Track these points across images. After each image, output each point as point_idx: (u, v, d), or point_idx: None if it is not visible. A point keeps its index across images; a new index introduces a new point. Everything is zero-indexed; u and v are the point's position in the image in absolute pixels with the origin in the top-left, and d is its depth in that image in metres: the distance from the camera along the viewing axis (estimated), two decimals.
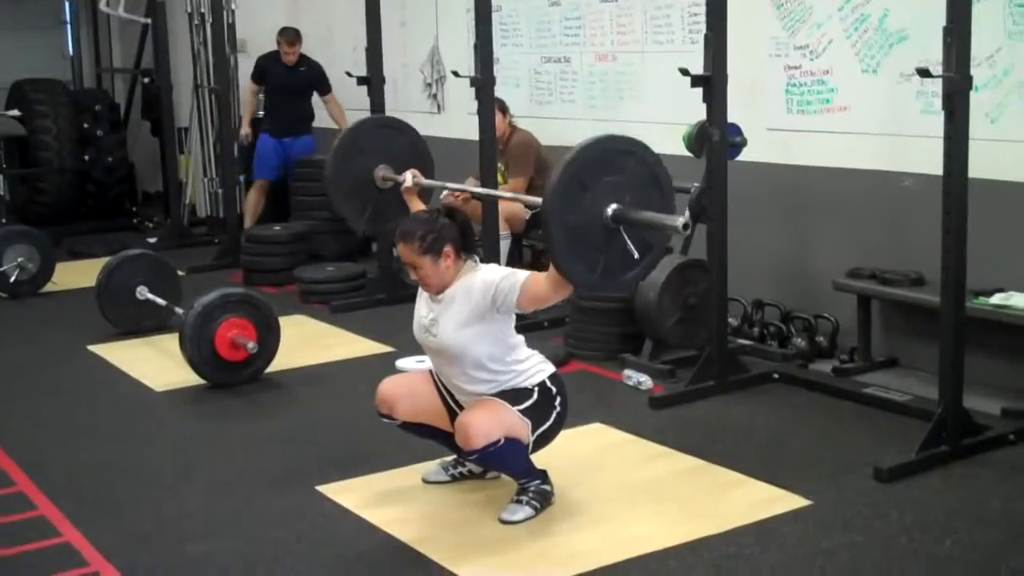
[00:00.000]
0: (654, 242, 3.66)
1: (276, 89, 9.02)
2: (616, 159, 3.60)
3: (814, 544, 3.65)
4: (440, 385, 4.10)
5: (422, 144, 5.11)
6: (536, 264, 7.37)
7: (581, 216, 3.51)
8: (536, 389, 3.92)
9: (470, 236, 3.97)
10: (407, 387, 4.14)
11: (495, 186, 6.54)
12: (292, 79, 8.98)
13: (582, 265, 3.56)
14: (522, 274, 3.78)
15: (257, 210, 9.14)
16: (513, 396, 3.88)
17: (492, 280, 3.80)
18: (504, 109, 7.05)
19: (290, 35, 8.88)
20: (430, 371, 4.17)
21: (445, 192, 6.82)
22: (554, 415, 3.94)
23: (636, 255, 3.59)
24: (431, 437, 4.19)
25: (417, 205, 4.63)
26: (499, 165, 7.11)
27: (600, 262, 3.57)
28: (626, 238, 3.57)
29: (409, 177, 4.69)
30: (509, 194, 6.17)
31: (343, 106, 8.99)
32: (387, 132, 4.75)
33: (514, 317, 3.92)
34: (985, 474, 4.19)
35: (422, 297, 4.03)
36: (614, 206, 3.54)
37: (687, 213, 3.48)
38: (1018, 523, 3.79)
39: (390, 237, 6.29)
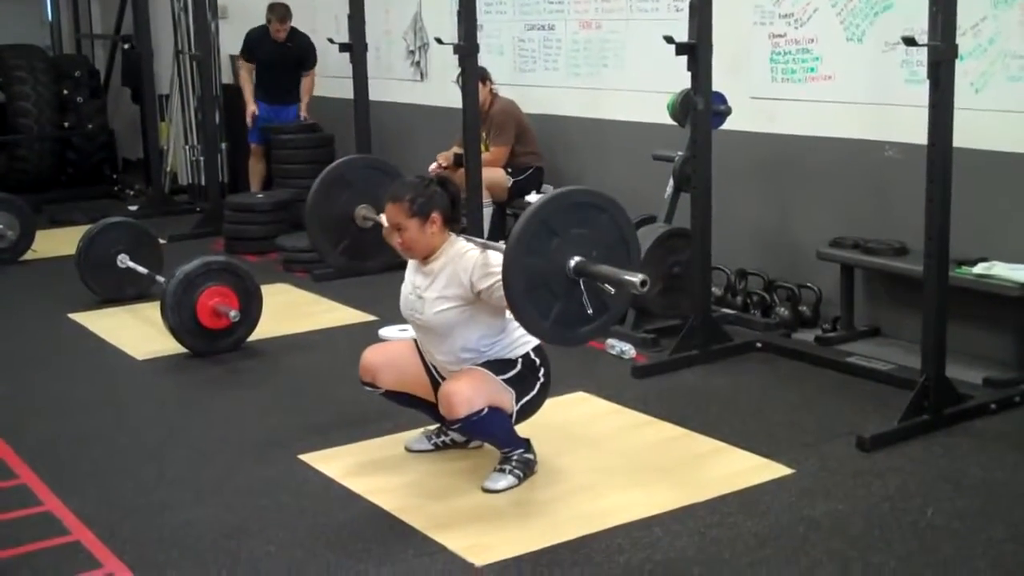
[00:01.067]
0: (611, 305, 3.61)
1: (266, 65, 8.92)
2: (589, 213, 3.54)
3: (797, 512, 3.67)
4: (424, 355, 4.08)
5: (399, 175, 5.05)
6: None
7: (545, 261, 3.45)
8: (520, 360, 3.91)
9: (458, 208, 3.95)
10: (391, 356, 4.13)
11: (478, 152, 6.51)
12: (282, 55, 8.88)
13: (536, 310, 3.48)
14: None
15: (262, 175, 9.08)
16: (497, 366, 3.87)
17: (477, 277, 3.76)
18: (485, 77, 7.02)
19: (281, 12, 8.77)
20: (414, 340, 4.16)
21: (432, 167, 6.81)
22: (538, 386, 3.94)
23: (590, 311, 3.55)
24: (414, 406, 4.19)
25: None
26: (482, 133, 7.09)
27: (554, 311, 3.50)
28: (584, 292, 3.52)
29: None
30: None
31: (314, 84, 8.92)
32: (375, 174, 4.73)
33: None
34: (966, 443, 4.21)
35: (410, 271, 4.02)
36: (578, 258, 3.48)
37: (643, 274, 3.44)
38: (998, 492, 3.81)
39: (364, 274, 6.26)
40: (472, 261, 3.81)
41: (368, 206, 4.61)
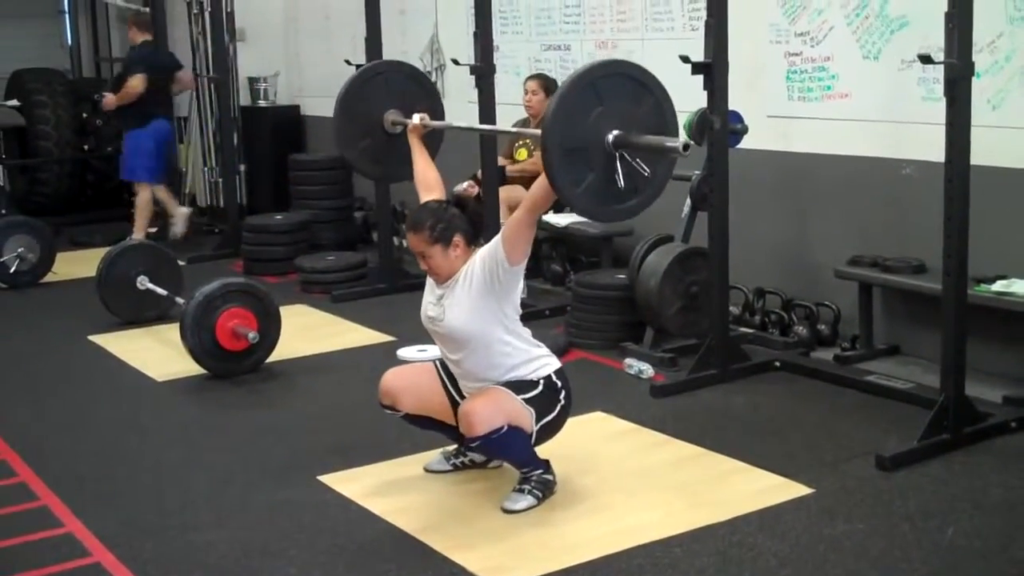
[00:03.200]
0: (644, 189, 3.58)
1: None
2: (638, 90, 3.54)
3: (817, 532, 3.65)
4: (443, 377, 4.09)
5: (437, 99, 5.06)
6: (537, 251, 7.36)
7: (585, 126, 3.44)
8: (541, 382, 3.92)
9: (480, 227, 3.98)
10: (410, 379, 4.14)
11: (496, 176, 6.53)
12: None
13: (570, 175, 3.47)
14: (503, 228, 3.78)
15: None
16: (517, 386, 3.88)
17: (484, 253, 3.83)
18: (550, 88, 7.09)
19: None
20: (433, 363, 4.17)
21: (463, 186, 6.83)
22: (558, 408, 3.94)
23: (622, 185, 3.52)
24: (434, 429, 4.19)
25: (419, 150, 4.52)
26: (528, 141, 7.14)
27: (587, 180, 3.48)
28: (619, 168, 3.50)
29: (416, 118, 4.62)
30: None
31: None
32: (412, 84, 4.74)
33: (519, 299, 3.91)
34: (987, 462, 4.19)
35: (429, 284, 4.03)
36: (617, 131, 3.48)
37: (685, 135, 3.39)
38: (1020, 511, 3.79)
39: (387, 179, 6.23)
40: (480, 255, 3.86)
41: (398, 111, 4.62)
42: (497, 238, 3.78)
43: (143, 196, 8.90)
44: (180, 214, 8.99)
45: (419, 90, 4.81)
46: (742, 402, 5.00)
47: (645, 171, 3.53)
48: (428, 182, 4.31)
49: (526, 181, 7.12)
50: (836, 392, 5.04)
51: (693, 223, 5.72)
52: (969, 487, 3.97)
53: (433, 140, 4.73)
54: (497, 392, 3.85)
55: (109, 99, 8.77)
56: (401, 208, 8.19)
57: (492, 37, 6.35)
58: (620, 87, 3.54)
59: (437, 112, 4.86)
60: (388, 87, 4.74)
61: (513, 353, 3.90)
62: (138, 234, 8.74)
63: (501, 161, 6.91)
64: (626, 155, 3.51)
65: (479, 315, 3.84)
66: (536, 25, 7.56)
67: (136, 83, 8.62)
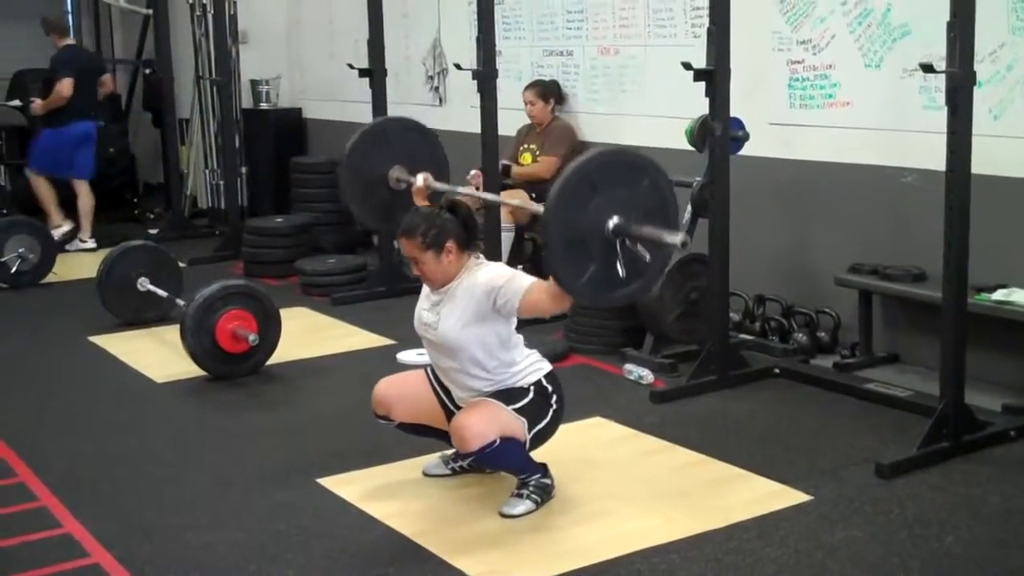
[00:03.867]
0: (646, 271, 3.62)
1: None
2: (631, 174, 3.56)
3: (815, 539, 3.66)
4: (436, 384, 4.09)
5: (441, 153, 5.09)
6: (537, 257, 7.36)
7: (584, 218, 3.47)
8: (532, 388, 3.92)
9: (473, 231, 3.96)
10: (403, 388, 4.13)
11: (497, 177, 6.54)
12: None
13: (572, 268, 3.51)
14: (526, 280, 3.75)
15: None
16: (508, 396, 3.88)
17: (496, 283, 3.79)
18: (548, 96, 7.17)
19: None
20: (425, 370, 4.17)
21: (472, 173, 6.85)
22: (550, 413, 3.94)
23: (623, 274, 3.56)
24: (429, 436, 4.19)
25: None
26: (531, 145, 7.16)
27: (590, 270, 3.51)
28: (620, 255, 3.53)
29: (420, 178, 4.65)
30: (516, 201, 6.22)
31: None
32: (415, 137, 4.77)
33: (515, 319, 3.92)
34: (986, 470, 4.19)
35: (425, 291, 4.03)
36: (617, 218, 3.50)
37: (684, 230, 3.43)
38: (1018, 520, 3.79)
39: (390, 234, 6.32)
40: (489, 272, 3.85)
41: (402, 168, 4.63)
42: (518, 288, 3.71)
43: (81, 192, 9.05)
44: (61, 228, 9.02)
45: (423, 144, 4.82)
46: (741, 409, 5.00)
47: (646, 256, 3.54)
48: None
49: (528, 185, 7.14)
50: (835, 399, 5.05)
51: (694, 229, 5.72)
52: (967, 495, 3.97)
53: (437, 198, 4.76)
54: (488, 405, 3.85)
55: (37, 104, 8.93)
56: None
57: (494, 42, 6.35)
58: (614, 174, 3.54)
59: (441, 169, 4.89)
60: (392, 143, 4.76)
61: (504, 361, 3.90)
62: (84, 233, 9.02)
63: (477, 173, 6.94)
64: (627, 241, 3.53)
65: (475, 327, 3.84)
66: (539, 30, 7.57)
67: (64, 88, 8.74)
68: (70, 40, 8.95)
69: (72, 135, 8.90)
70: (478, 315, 3.82)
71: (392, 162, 4.71)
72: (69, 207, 9.16)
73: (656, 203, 3.59)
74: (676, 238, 3.41)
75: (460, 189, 5.38)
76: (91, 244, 9.02)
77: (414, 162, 4.72)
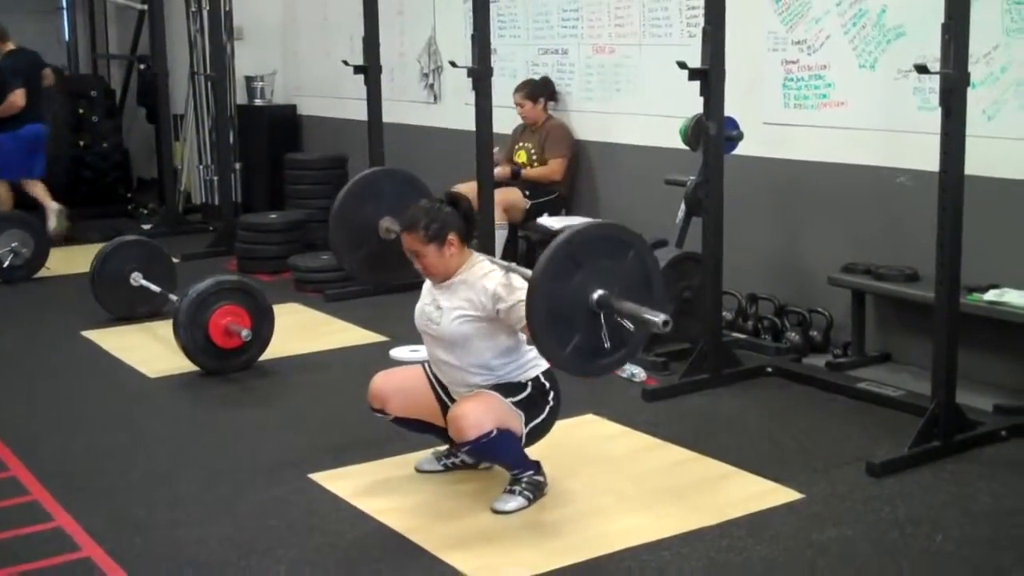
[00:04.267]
0: (630, 340, 3.63)
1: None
2: (615, 247, 3.58)
3: (806, 537, 3.66)
4: (433, 380, 4.10)
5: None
6: (531, 255, 7.36)
7: (568, 292, 3.48)
8: (530, 384, 3.92)
9: (473, 225, 3.97)
10: (399, 383, 4.14)
11: (491, 178, 6.54)
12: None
13: (555, 339, 3.51)
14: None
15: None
16: (506, 389, 3.88)
17: (501, 296, 3.78)
18: (537, 96, 7.20)
19: None
20: (422, 365, 4.17)
21: (498, 154, 6.88)
22: (547, 409, 3.95)
23: (607, 345, 3.56)
24: (424, 431, 4.20)
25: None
26: (526, 144, 7.17)
27: (573, 341, 3.52)
28: (604, 325, 3.54)
29: None
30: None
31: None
32: (405, 188, 4.77)
33: None
34: (976, 470, 4.20)
35: (426, 286, 4.03)
36: (601, 291, 3.51)
37: (666, 314, 3.46)
38: (1008, 519, 3.80)
39: (389, 284, 6.31)
40: (495, 281, 3.83)
41: (393, 219, 4.63)
42: (521, 317, 3.66)
43: (32, 187, 9.03)
44: (52, 209, 8.95)
45: (413, 194, 4.83)
46: (734, 407, 5.01)
47: (629, 327, 3.56)
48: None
49: (527, 186, 7.15)
50: (827, 398, 5.06)
51: (688, 228, 5.73)
52: (958, 495, 3.99)
53: None
54: (486, 396, 3.86)
55: None
56: None
57: (490, 40, 6.35)
58: (598, 248, 3.55)
59: None
60: (381, 194, 4.75)
61: (504, 358, 3.91)
62: (47, 202, 8.96)
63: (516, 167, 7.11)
64: (611, 315, 3.54)
65: (476, 324, 3.85)
66: (534, 28, 7.58)
67: (18, 99, 8.76)
68: (12, 45, 8.94)
69: (26, 138, 8.90)
70: (479, 313, 3.84)
71: (381, 213, 4.72)
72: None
73: (640, 276, 3.60)
74: (658, 318, 3.41)
75: None
76: (56, 205, 8.97)
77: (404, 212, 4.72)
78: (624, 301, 3.50)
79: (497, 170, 6.93)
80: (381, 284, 5.85)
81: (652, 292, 3.62)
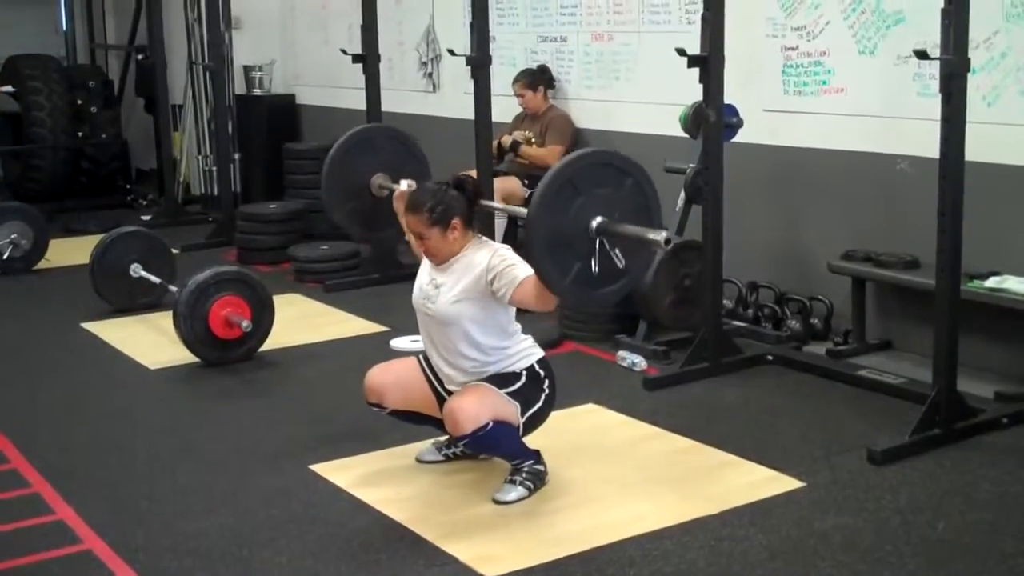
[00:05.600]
0: (630, 268, 3.63)
1: None
2: (614, 175, 3.58)
3: (808, 526, 3.66)
4: (427, 371, 4.09)
5: (425, 162, 5.08)
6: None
7: (567, 220, 3.48)
8: (524, 373, 3.92)
9: (477, 209, 3.97)
10: (396, 376, 4.13)
11: (489, 168, 6.53)
12: None
13: (556, 268, 3.53)
14: (521, 272, 3.73)
15: None
16: (500, 380, 3.88)
17: (494, 265, 3.79)
18: (536, 85, 7.20)
19: None
20: (418, 357, 4.17)
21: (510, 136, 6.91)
22: (543, 398, 3.94)
23: (596, 270, 3.56)
24: (422, 423, 4.20)
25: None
26: (526, 132, 7.17)
27: (574, 269, 3.53)
28: (609, 251, 3.53)
29: (404, 184, 4.64)
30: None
31: None
32: (399, 147, 4.77)
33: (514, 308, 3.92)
34: (978, 457, 4.20)
35: (425, 265, 4.03)
36: (600, 218, 3.52)
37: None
38: (1009, 506, 3.80)
39: (376, 241, 6.29)
40: (490, 251, 3.84)
41: (385, 175, 4.63)
42: (513, 279, 3.71)
43: None
44: None
45: (406, 154, 4.82)
46: (734, 395, 5.01)
47: (620, 262, 3.56)
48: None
49: (523, 173, 7.14)
50: (828, 386, 5.05)
51: (687, 216, 5.72)
52: (959, 482, 3.98)
53: None
54: (481, 389, 3.85)
55: None
56: None
57: (488, 28, 6.33)
58: (598, 175, 3.57)
59: (424, 176, 4.87)
60: (375, 150, 4.75)
61: (498, 346, 3.91)
62: None
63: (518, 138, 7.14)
64: (605, 243, 3.55)
65: (471, 304, 3.84)
66: (532, 16, 7.55)
67: None
68: None
69: None
70: (474, 291, 3.83)
71: (375, 170, 4.71)
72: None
73: (640, 203, 3.61)
74: (660, 235, 3.42)
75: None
76: None
77: (397, 171, 4.72)
78: (623, 224, 3.50)
79: (496, 141, 6.98)
80: (367, 241, 5.78)
81: (652, 220, 3.63)
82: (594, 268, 3.55)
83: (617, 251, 3.54)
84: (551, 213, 3.48)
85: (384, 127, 5.21)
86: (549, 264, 3.52)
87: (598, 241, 3.53)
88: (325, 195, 4.80)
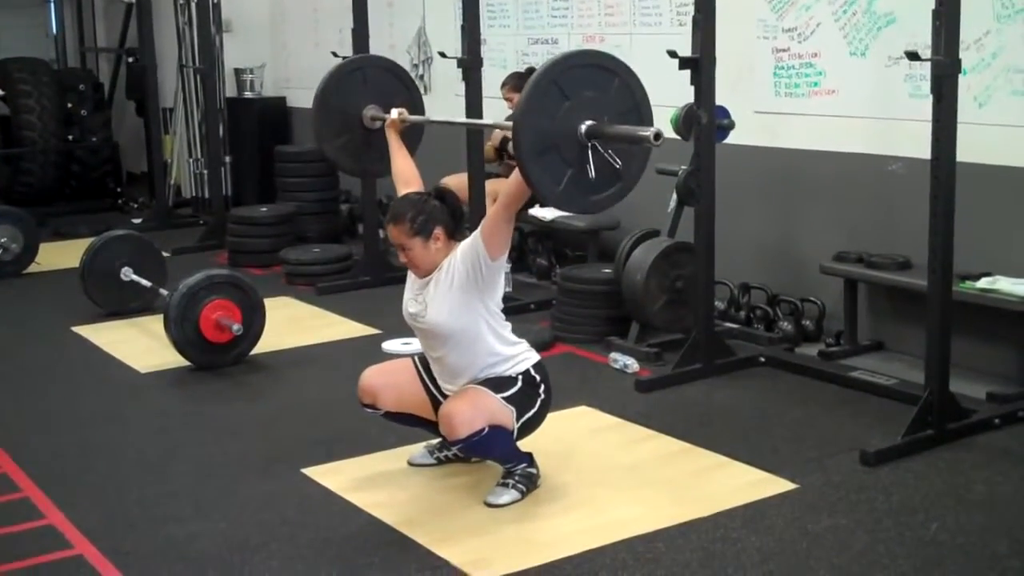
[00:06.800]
0: (625, 172, 3.56)
1: None
2: (600, 76, 3.51)
3: (800, 527, 3.66)
4: (423, 374, 4.08)
5: (417, 93, 5.03)
6: (522, 246, 7.35)
7: (555, 124, 3.41)
8: (520, 378, 3.90)
9: (460, 220, 3.95)
10: (389, 377, 4.12)
11: (481, 169, 6.53)
12: None
13: (548, 175, 3.45)
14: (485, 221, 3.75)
15: None
16: (496, 384, 3.87)
17: (466, 243, 3.80)
18: (520, 88, 7.10)
19: None
20: (412, 359, 4.16)
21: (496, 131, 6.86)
22: (538, 403, 3.93)
23: (592, 176, 3.47)
24: (415, 425, 4.18)
25: (397, 145, 4.47)
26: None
27: (566, 176, 3.46)
28: (603, 154, 3.46)
29: (395, 112, 4.58)
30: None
31: None
32: (392, 80, 4.73)
33: (501, 293, 3.90)
34: (970, 458, 4.20)
35: (409, 280, 4.01)
36: (590, 121, 3.45)
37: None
38: (1002, 507, 3.80)
39: (365, 175, 6.24)
40: (461, 249, 3.83)
41: (377, 107, 4.60)
42: (476, 233, 3.75)
43: None
44: None
45: (398, 84, 4.79)
46: (727, 397, 5.00)
47: (617, 163, 3.50)
48: (406, 177, 4.28)
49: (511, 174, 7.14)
50: (820, 388, 5.05)
51: (679, 218, 5.72)
52: (952, 483, 3.98)
53: (412, 135, 4.69)
54: (476, 393, 3.84)
55: None
56: (387, 201, 8.17)
57: (479, 30, 6.33)
58: (583, 77, 3.49)
59: (416, 107, 4.84)
60: (366, 82, 4.72)
61: (494, 350, 3.89)
62: None
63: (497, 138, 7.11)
64: (598, 146, 3.48)
65: (462, 310, 3.83)
66: (524, 18, 7.55)
67: None
68: None
69: None
70: (463, 290, 3.81)
71: (367, 101, 4.68)
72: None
73: (628, 104, 3.55)
74: (649, 132, 3.36)
75: (434, 118, 5.33)
76: None
77: (389, 102, 4.68)
78: (614, 125, 3.46)
79: (488, 145, 6.97)
80: (358, 174, 5.73)
81: (642, 119, 3.57)
82: (591, 173, 3.48)
83: (611, 151, 3.48)
84: (539, 117, 3.39)
85: (373, 57, 5.16)
86: (540, 171, 3.43)
87: (590, 145, 3.47)
88: (316, 130, 4.76)
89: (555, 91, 3.44)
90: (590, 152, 3.47)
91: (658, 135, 3.37)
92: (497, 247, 3.76)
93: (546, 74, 3.44)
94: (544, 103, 3.42)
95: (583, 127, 3.46)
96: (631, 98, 3.58)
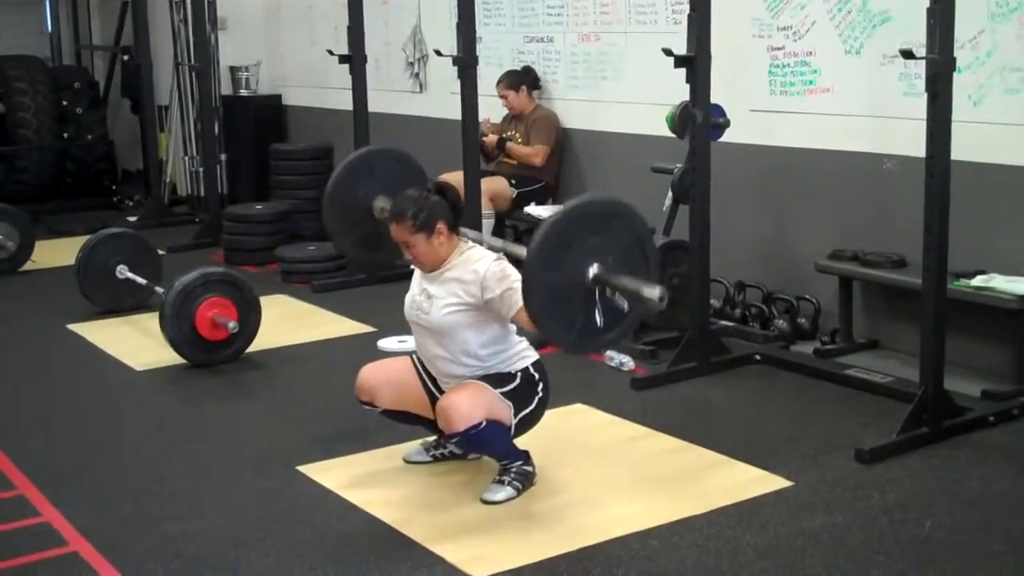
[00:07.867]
0: (631, 309, 3.61)
1: None
2: (602, 221, 3.55)
3: (795, 525, 3.66)
4: (421, 371, 4.08)
5: (424, 178, 5.04)
6: (519, 242, 7.35)
7: (562, 275, 3.46)
8: (519, 375, 3.91)
9: (461, 213, 3.96)
10: (388, 374, 4.12)
11: (477, 169, 6.53)
12: None
13: (560, 325, 3.51)
14: (518, 296, 3.64)
15: None
16: (495, 380, 3.87)
17: (490, 286, 3.76)
18: (519, 85, 7.22)
19: None
20: (410, 356, 4.16)
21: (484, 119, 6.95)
22: (536, 400, 3.94)
23: (600, 323, 3.53)
24: (413, 423, 4.18)
25: None
26: (514, 133, 7.18)
27: (577, 323, 3.51)
28: (609, 299, 3.52)
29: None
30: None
31: None
32: (398, 167, 4.74)
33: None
34: (965, 456, 4.21)
35: (416, 275, 4.02)
36: (596, 267, 3.49)
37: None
38: (997, 504, 3.81)
39: (376, 266, 6.28)
40: (484, 268, 3.81)
41: (386, 198, 4.62)
42: (513, 304, 3.67)
43: None
44: None
45: (405, 172, 4.79)
46: (722, 395, 5.01)
47: (623, 307, 3.55)
48: None
49: (511, 173, 7.14)
50: (815, 386, 5.06)
51: (675, 216, 5.72)
52: (947, 480, 3.99)
53: None
54: (475, 387, 3.84)
55: None
56: None
57: (475, 28, 6.33)
58: (587, 225, 3.53)
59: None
60: (374, 174, 4.73)
61: (492, 347, 3.90)
62: None
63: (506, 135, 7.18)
64: (606, 291, 3.53)
65: (466, 314, 3.84)
66: (519, 17, 7.55)
67: None
68: None
69: None
70: (470, 305, 3.82)
71: (375, 192, 4.69)
72: None
73: (632, 242, 3.58)
74: (654, 292, 3.40)
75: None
76: None
77: (397, 190, 4.69)
78: (621, 276, 3.49)
79: (486, 138, 6.96)
80: (378, 266, 5.76)
81: (646, 257, 3.61)
82: (598, 321, 3.53)
83: (616, 295, 3.52)
84: (546, 271, 3.44)
85: (379, 150, 5.17)
86: (553, 324, 3.51)
87: (597, 291, 3.51)
88: (329, 228, 4.79)
89: (560, 244, 3.47)
90: (597, 294, 3.51)
91: (662, 297, 3.40)
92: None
93: (551, 229, 3.46)
94: (550, 257, 3.45)
95: (590, 273, 3.49)
96: (633, 236, 3.61)
